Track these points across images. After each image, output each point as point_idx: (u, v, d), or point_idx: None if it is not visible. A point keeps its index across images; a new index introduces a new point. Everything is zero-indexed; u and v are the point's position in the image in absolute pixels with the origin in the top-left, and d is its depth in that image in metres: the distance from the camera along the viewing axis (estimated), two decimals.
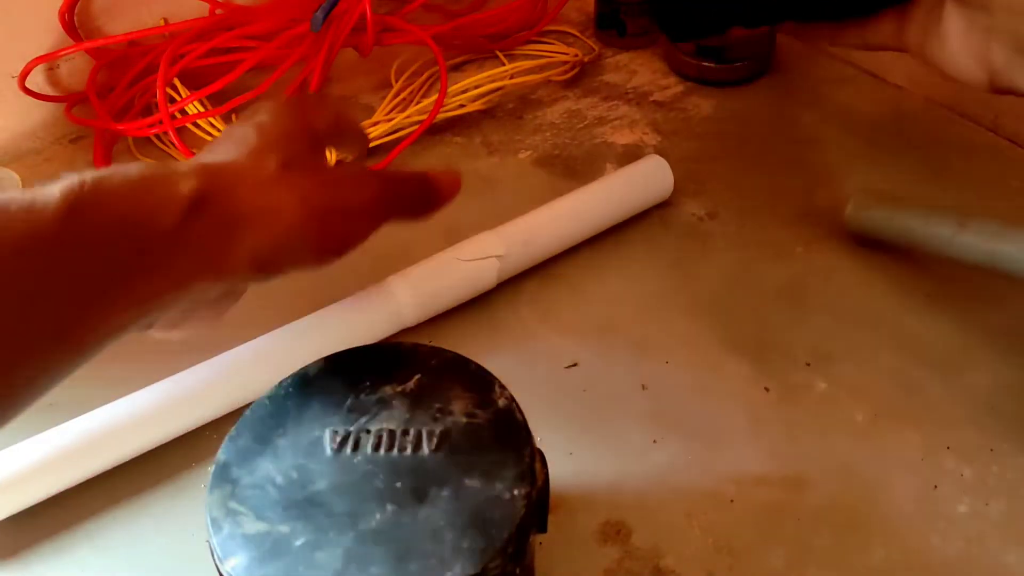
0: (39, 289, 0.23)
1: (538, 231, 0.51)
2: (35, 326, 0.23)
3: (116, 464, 0.41)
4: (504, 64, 0.68)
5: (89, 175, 0.25)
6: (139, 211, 0.25)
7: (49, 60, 0.61)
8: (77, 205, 0.24)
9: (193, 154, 0.57)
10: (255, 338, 0.44)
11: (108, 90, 0.63)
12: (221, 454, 0.32)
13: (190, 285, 0.27)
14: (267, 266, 0.30)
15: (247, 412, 0.33)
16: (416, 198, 0.37)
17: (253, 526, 0.29)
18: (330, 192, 0.32)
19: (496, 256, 0.48)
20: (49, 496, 0.40)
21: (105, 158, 0.60)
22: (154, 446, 0.42)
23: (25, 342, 0.23)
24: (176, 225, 0.26)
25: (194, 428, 0.43)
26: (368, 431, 0.32)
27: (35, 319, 0.23)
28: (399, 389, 0.34)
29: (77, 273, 0.24)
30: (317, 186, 0.31)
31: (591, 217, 0.52)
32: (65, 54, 0.61)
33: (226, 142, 0.32)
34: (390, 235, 0.35)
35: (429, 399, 0.33)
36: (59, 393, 0.27)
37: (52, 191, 0.24)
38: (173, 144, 0.58)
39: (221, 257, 0.28)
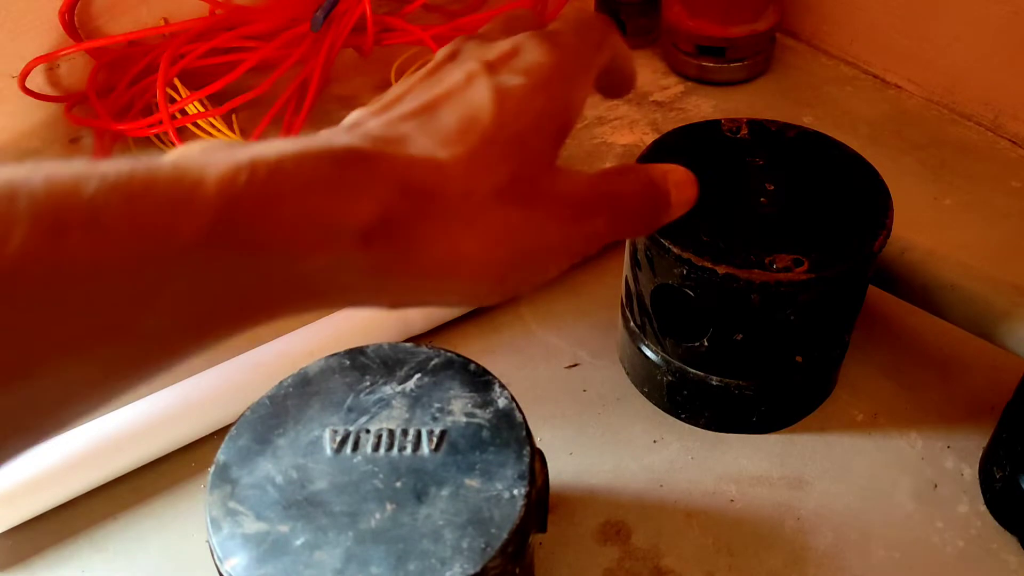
0: (138, 311, 0.17)
1: None
2: (113, 351, 0.18)
3: (123, 473, 0.41)
4: None
5: (265, 160, 0.19)
6: (305, 234, 0.19)
7: (49, 60, 0.61)
8: (234, 210, 0.18)
9: None
10: (260, 345, 0.44)
11: (108, 90, 0.63)
12: (221, 454, 0.32)
13: (307, 312, 0.22)
14: (407, 304, 0.25)
15: (247, 412, 0.33)
16: (639, 216, 0.29)
17: (253, 526, 0.29)
18: (540, 231, 0.25)
19: None
20: (52, 507, 0.40)
21: (105, 158, 0.60)
22: (162, 454, 0.42)
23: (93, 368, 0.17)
24: (338, 261, 0.20)
25: (201, 436, 0.43)
26: (368, 431, 0.32)
27: (117, 343, 0.17)
28: (399, 389, 0.34)
29: (195, 297, 0.18)
30: (526, 225, 0.24)
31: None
32: (65, 54, 0.61)
33: (437, 116, 0.24)
34: None
35: (429, 399, 0.33)
36: None
37: (209, 180, 0.18)
38: (173, 144, 0.58)
39: (364, 293, 0.22)
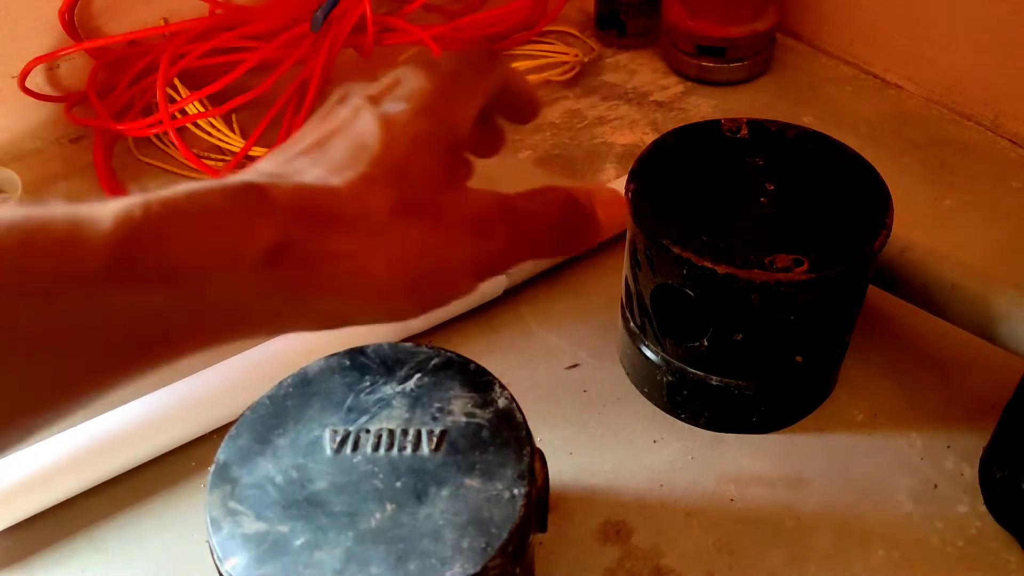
0: (67, 335, 0.18)
1: None
2: (51, 378, 0.19)
3: (123, 472, 0.41)
4: None
5: (158, 197, 0.20)
6: (205, 261, 0.20)
7: (49, 60, 0.61)
8: (130, 244, 0.19)
9: (194, 156, 0.57)
10: (258, 344, 0.44)
11: (108, 90, 0.63)
12: (221, 454, 0.32)
13: (228, 341, 0.23)
14: (331, 325, 0.25)
15: (247, 412, 0.33)
16: (552, 234, 0.29)
17: (253, 526, 0.29)
18: (442, 246, 0.26)
19: (506, 274, 0.48)
20: (51, 505, 0.40)
21: (105, 158, 0.60)
22: (160, 453, 0.42)
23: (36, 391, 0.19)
24: (242, 285, 0.21)
25: (200, 435, 0.43)
26: (368, 431, 0.32)
27: (28, 380, 0.19)
28: (399, 389, 0.34)
29: (102, 332, 0.19)
30: (427, 239, 0.25)
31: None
32: (65, 54, 0.61)
33: (327, 148, 0.26)
34: None
35: (429, 399, 0.33)
36: None
37: (104, 218, 0.19)
38: (173, 144, 0.58)
39: (281, 321, 0.24)
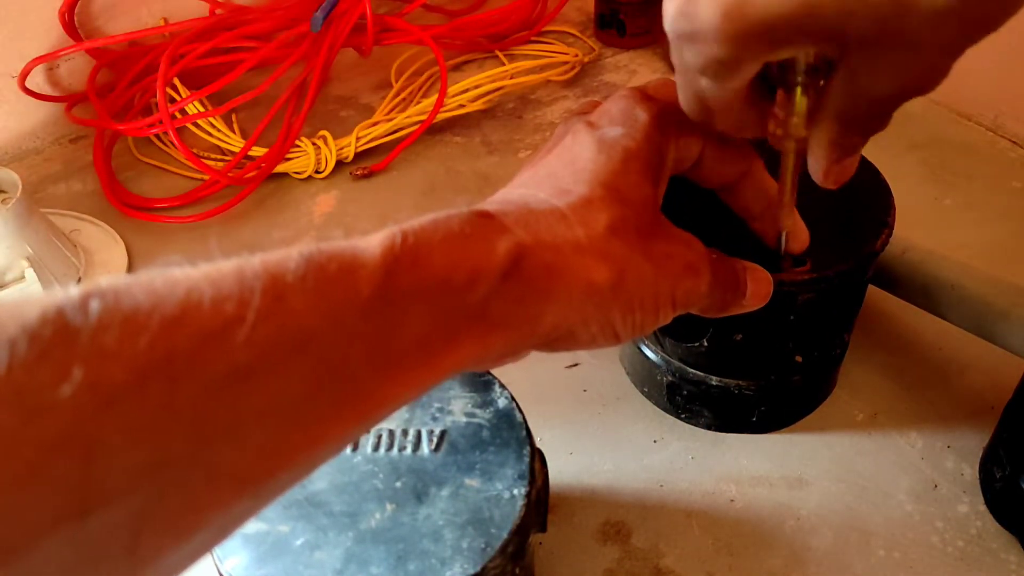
0: (344, 357, 0.20)
1: None
2: (330, 397, 0.20)
3: None
4: (504, 64, 0.68)
5: (411, 228, 0.23)
6: (456, 275, 0.23)
7: (49, 60, 0.61)
8: (396, 266, 0.21)
9: (194, 155, 0.57)
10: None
11: (108, 90, 0.63)
12: None
13: (492, 350, 0.24)
14: (559, 343, 0.27)
15: None
16: (723, 293, 0.31)
17: (253, 526, 0.29)
18: (657, 271, 0.27)
19: None
20: None
21: (105, 158, 0.60)
22: None
23: (315, 414, 0.20)
24: (491, 290, 0.23)
25: None
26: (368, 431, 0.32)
27: (333, 389, 0.20)
28: None
29: (388, 339, 0.21)
30: (645, 260, 0.27)
31: None
32: (65, 54, 0.61)
33: (553, 167, 0.28)
34: None
35: (429, 399, 0.33)
36: None
37: (372, 247, 0.22)
38: (173, 144, 0.58)
39: (523, 329, 0.25)
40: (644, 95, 0.30)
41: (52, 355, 0.16)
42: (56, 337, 0.16)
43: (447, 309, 0.23)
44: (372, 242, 0.22)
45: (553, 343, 0.27)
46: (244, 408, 0.18)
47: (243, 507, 0.19)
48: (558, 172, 0.28)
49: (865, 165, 0.41)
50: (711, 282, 0.29)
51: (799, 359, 0.40)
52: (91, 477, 0.16)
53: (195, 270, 0.18)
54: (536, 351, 0.27)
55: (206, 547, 0.19)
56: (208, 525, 0.18)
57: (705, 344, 0.39)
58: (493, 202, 0.27)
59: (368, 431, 0.22)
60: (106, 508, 0.16)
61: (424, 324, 0.22)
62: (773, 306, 0.37)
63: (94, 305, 0.16)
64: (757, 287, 0.32)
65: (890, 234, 0.38)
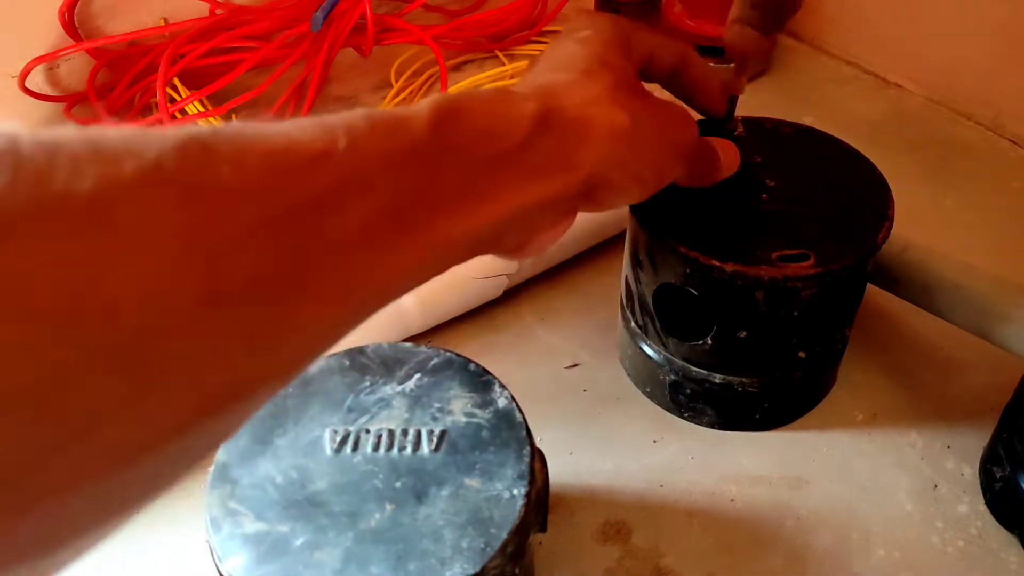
0: (404, 195, 0.24)
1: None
2: (396, 229, 0.24)
3: None
4: (504, 64, 0.68)
5: (452, 95, 0.27)
6: (493, 126, 0.27)
7: (49, 60, 0.61)
8: (443, 118, 0.25)
9: None
10: None
11: (108, 90, 0.63)
12: (221, 454, 0.32)
13: (537, 197, 0.28)
14: (597, 192, 0.31)
15: None
16: (710, 159, 0.37)
17: (253, 526, 0.29)
18: (657, 118, 0.32)
19: (507, 275, 0.48)
20: None
21: None
22: None
23: (381, 241, 0.23)
24: (525, 138, 0.27)
25: None
26: (368, 431, 0.32)
27: (396, 221, 0.24)
28: (399, 389, 0.34)
29: (439, 181, 0.25)
30: (645, 108, 0.31)
31: (599, 225, 0.52)
32: (65, 54, 0.61)
33: (551, 63, 0.33)
34: None
35: (429, 399, 0.33)
36: None
37: (421, 106, 0.25)
38: None
39: (561, 177, 0.29)
40: (599, 11, 0.35)
41: (200, 156, 0.18)
42: (196, 147, 0.18)
43: (487, 157, 0.26)
44: (421, 105, 0.26)
45: (591, 192, 0.30)
46: (331, 228, 0.21)
47: (325, 328, 0.22)
48: (552, 66, 0.32)
49: (861, 161, 0.41)
50: (696, 135, 0.34)
51: (802, 354, 0.40)
52: (217, 271, 0.18)
53: (282, 123, 0.22)
54: (578, 210, 0.31)
55: (302, 362, 0.22)
56: (303, 335, 0.21)
57: (709, 342, 0.39)
58: (506, 87, 0.31)
59: (421, 282, 0.25)
60: (230, 305, 0.18)
61: (468, 169, 0.26)
62: (777, 302, 0.37)
63: (217, 129, 0.19)
64: (727, 156, 0.38)
65: (891, 227, 0.38)
